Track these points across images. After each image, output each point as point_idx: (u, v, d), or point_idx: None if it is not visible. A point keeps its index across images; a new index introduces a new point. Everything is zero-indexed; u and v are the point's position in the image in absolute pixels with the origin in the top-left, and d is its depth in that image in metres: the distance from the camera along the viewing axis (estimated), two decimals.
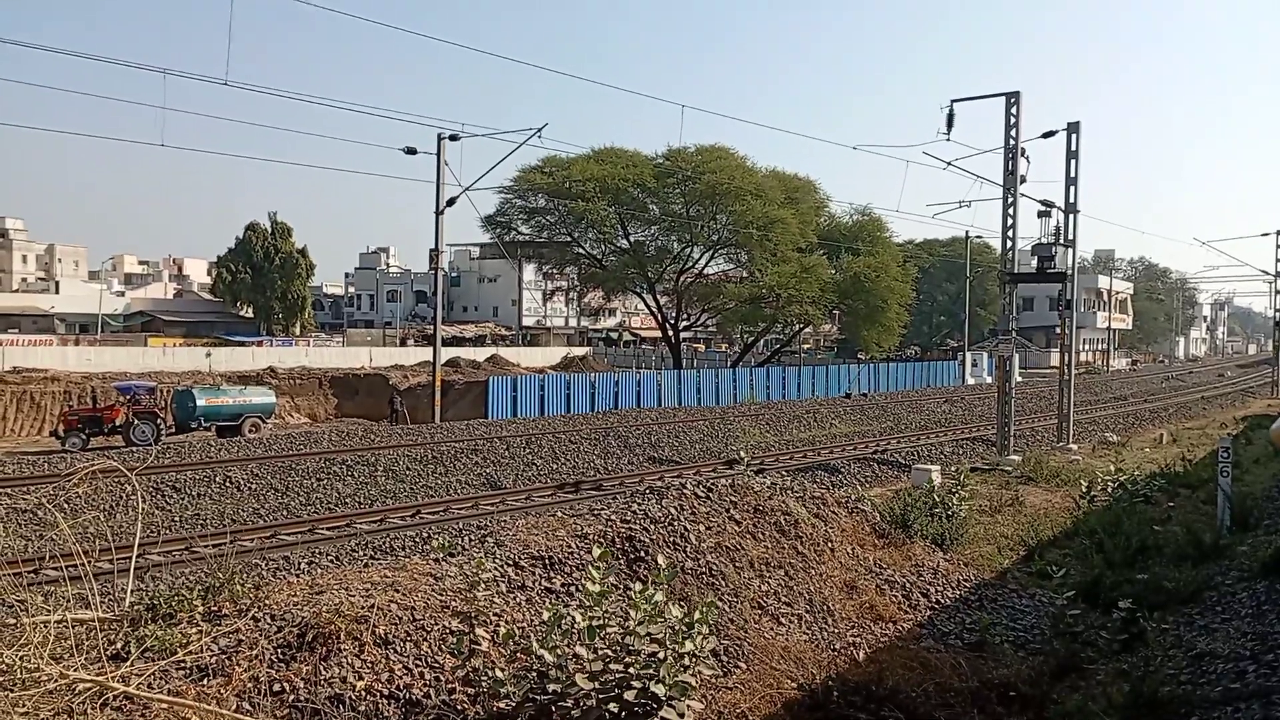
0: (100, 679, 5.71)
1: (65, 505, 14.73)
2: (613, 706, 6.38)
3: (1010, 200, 24.82)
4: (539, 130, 32.02)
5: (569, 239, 55.98)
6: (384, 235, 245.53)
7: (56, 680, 5.52)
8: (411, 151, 33.30)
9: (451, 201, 35.43)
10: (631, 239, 55.46)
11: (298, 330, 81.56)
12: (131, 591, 7.11)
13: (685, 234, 53.88)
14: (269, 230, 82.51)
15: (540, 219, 55.66)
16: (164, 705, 5.74)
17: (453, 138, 34.22)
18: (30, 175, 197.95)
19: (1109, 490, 17.67)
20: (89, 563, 6.67)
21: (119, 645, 6.24)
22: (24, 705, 5.22)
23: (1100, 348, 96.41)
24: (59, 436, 32.53)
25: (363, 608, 7.29)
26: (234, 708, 5.98)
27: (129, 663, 6.03)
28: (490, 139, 33.37)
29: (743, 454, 17.88)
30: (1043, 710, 8.16)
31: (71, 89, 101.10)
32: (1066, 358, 28.41)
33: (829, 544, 10.94)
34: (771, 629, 8.99)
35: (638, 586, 7.34)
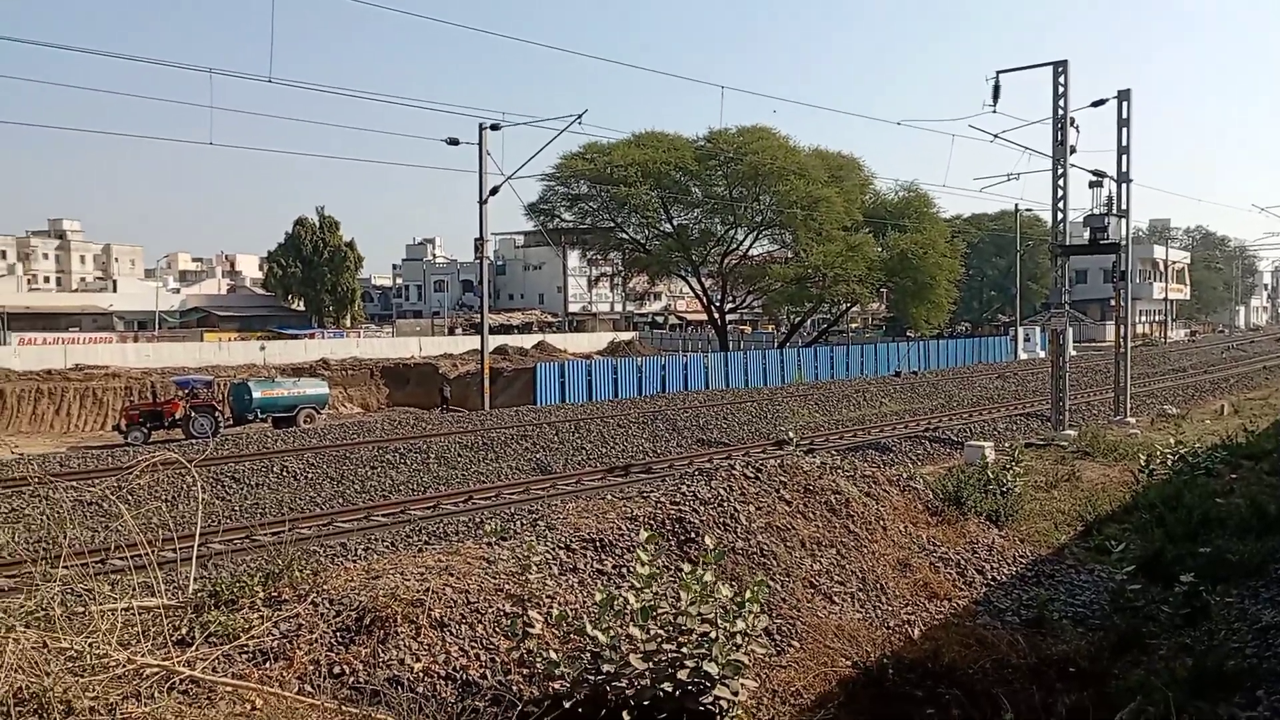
0: (166, 664, 5.86)
1: (129, 497, 15.14)
2: (666, 686, 6.41)
3: (1060, 171, 24.32)
4: (579, 117, 32.06)
5: (612, 224, 55.97)
6: (430, 226, 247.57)
7: (124, 665, 5.68)
8: (454, 142, 33.54)
9: (495, 190, 35.62)
10: (675, 222, 55.30)
11: (348, 322, 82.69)
12: (195, 579, 7.28)
13: (729, 216, 53.60)
14: (317, 224, 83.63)
15: (583, 205, 55.70)
16: (229, 688, 5.88)
17: (494, 127, 34.37)
18: (86, 177, 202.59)
19: (1169, 463, 17.30)
20: (153, 552, 6.84)
21: (184, 631, 6.40)
22: (94, 690, 5.38)
23: (1157, 319, 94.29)
24: (121, 431, 33.35)
25: (418, 591, 7.40)
26: (296, 690, 6.11)
27: (194, 647, 6.18)
28: (531, 127, 33.53)
29: (791, 434, 17.83)
30: (1103, 686, 8.04)
31: (122, 92, 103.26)
32: (1122, 330, 27.84)
33: (881, 522, 10.86)
34: (824, 607, 8.96)
35: (688, 567, 7.35)
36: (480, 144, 34.75)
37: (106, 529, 13.46)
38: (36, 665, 5.24)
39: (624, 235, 56.80)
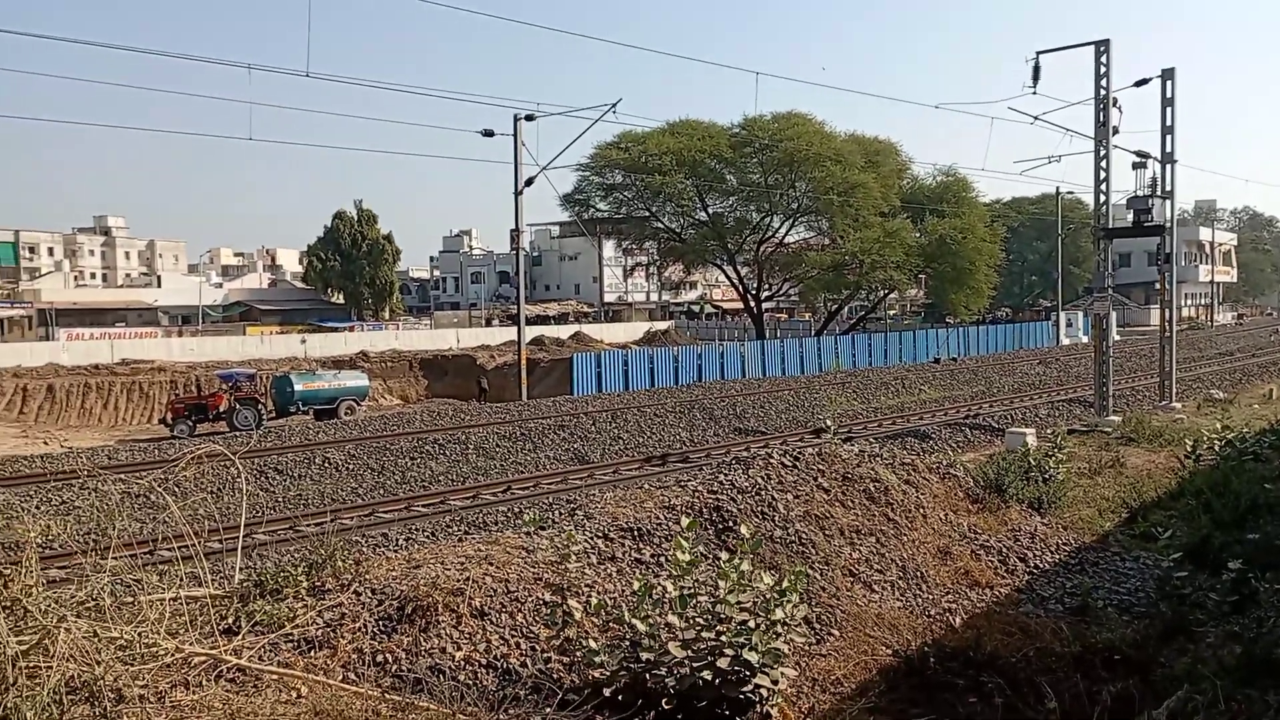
0: (214, 652, 5.97)
1: (175, 489, 15.35)
2: (706, 674, 6.41)
3: (1102, 153, 23.90)
4: (613, 106, 32.04)
5: (647, 214, 55.87)
6: (466, 218, 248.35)
7: (173, 654, 5.78)
8: (489, 134, 33.61)
9: (530, 181, 35.68)
10: (710, 210, 55.08)
11: (387, 314, 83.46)
12: (240, 569, 7.40)
13: (764, 203, 53.28)
14: (355, 218, 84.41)
15: (618, 195, 55.64)
16: (275, 676, 5.97)
17: (528, 118, 34.43)
18: (130, 174, 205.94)
19: (1216, 448, 16.98)
20: (199, 543, 6.95)
21: (230, 620, 6.51)
22: (143, 678, 5.48)
23: (1203, 302, 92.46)
24: (167, 424, 33.92)
25: (459, 581, 7.46)
26: (340, 678, 6.19)
27: (240, 636, 6.29)
28: (565, 117, 33.56)
29: (829, 422, 17.73)
30: (1149, 674, 7.93)
31: (164, 89, 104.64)
32: (1167, 314, 27.34)
33: (920, 510, 10.78)
34: (864, 596, 8.92)
35: (726, 555, 7.34)
36: (515, 135, 34.85)
37: (154, 520, 13.72)
38: (87, 654, 5.34)
39: (659, 224, 56.67)
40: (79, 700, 5.08)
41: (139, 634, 5.74)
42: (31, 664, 5.08)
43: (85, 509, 15.12)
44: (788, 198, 52.82)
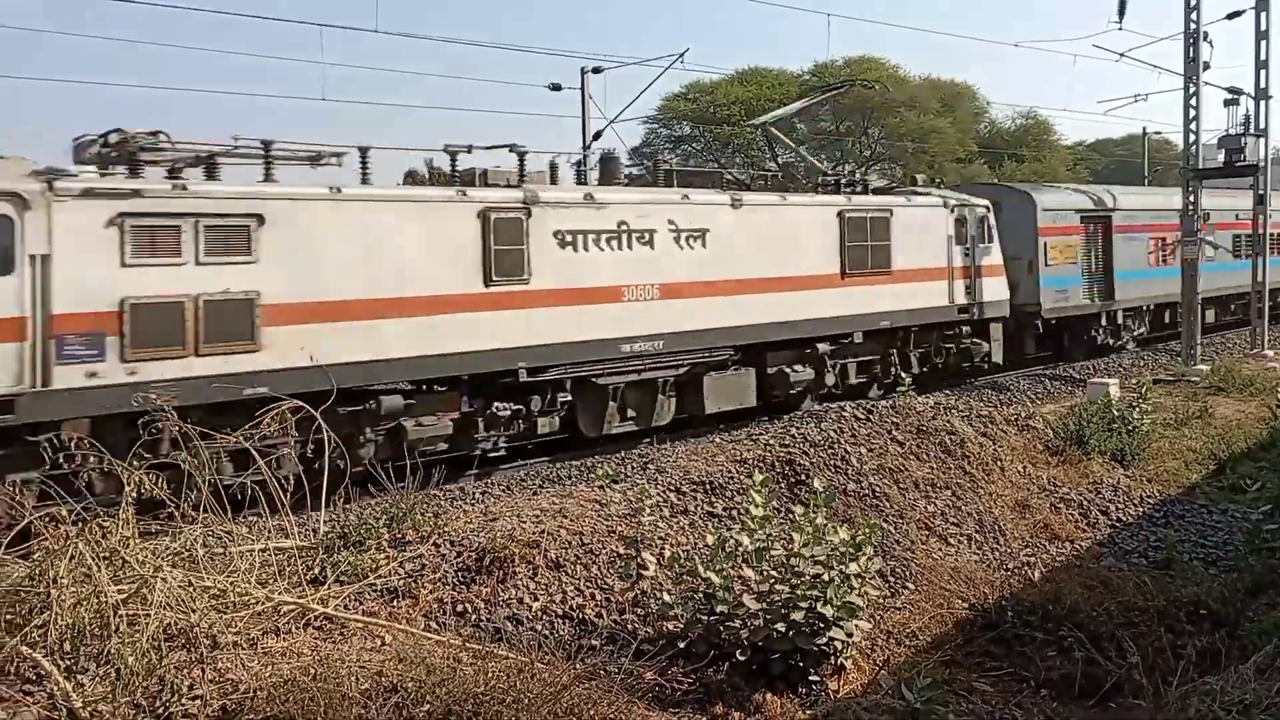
0: (302, 601, 6.20)
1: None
2: (780, 627, 6.46)
3: (1192, 90, 22.85)
4: (680, 56, 31.57)
5: (717, 165, 55.34)
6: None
7: (263, 603, 6.02)
8: (556, 88, 33.52)
9: (598, 135, 35.47)
10: (780, 160, 54.27)
11: None
12: (324, 521, 7.64)
13: (835, 151, 52.35)
14: (426, 177, 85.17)
15: (686, 147, 55.20)
16: (359, 624, 6.19)
17: (595, 70, 34.20)
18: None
19: None
20: (285, 496, 7.20)
21: (316, 570, 6.74)
22: (236, 625, 5.73)
23: None
24: None
25: (534, 533, 7.61)
26: (422, 627, 6.39)
27: (326, 586, 6.51)
28: (632, 68, 33.24)
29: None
30: (1236, 628, 7.74)
31: (239, 51, 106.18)
32: (1260, 258, 26.22)
33: (998, 463, 10.63)
34: (940, 549, 8.85)
35: (799, 509, 7.36)
36: (582, 88, 34.66)
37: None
38: (183, 602, 5.59)
39: (729, 176, 56.07)
40: (176, 646, 5.32)
41: (231, 583, 5.99)
42: (131, 612, 5.33)
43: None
44: (860, 145, 51.80)
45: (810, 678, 6.51)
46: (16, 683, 4.67)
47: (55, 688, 4.69)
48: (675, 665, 6.37)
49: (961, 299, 19.11)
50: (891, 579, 8.10)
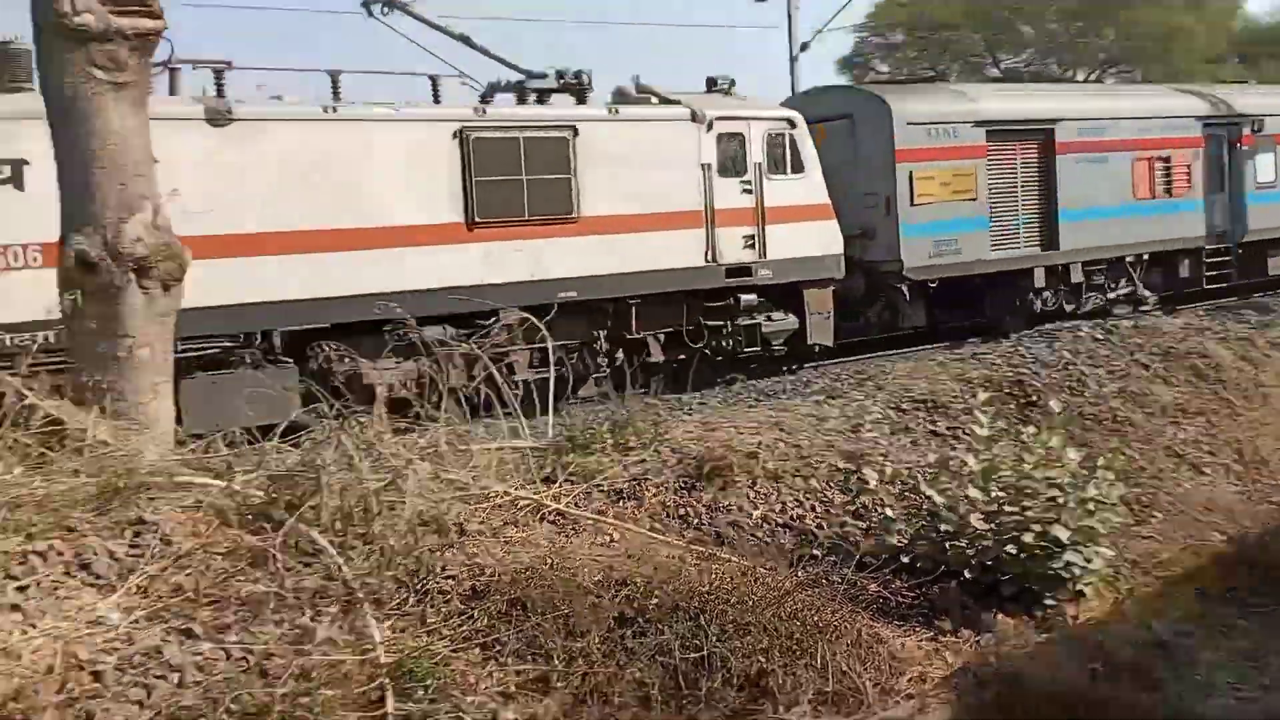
0: (537, 497, 6.55)
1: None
2: (1010, 548, 6.28)
3: None
4: None
5: (933, 74, 52.52)
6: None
7: (501, 496, 6.40)
8: None
9: (805, 46, 34.32)
10: (1003, 66, 50.85)
11: None
12: (553, 425, 8.01)
13: (1065, 55, 48.44)
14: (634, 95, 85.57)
15: (900, 55, 52.60)
16: (590, 521, 6.47)
17: None
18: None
19: None
20: (517, 400, 7.62)
21: (548, 470, 7.08)
22: (480, 515, 6.13)
23: None
24: None
25: (752, 445, 7.68)
26: (647, 528, 6.61)
27: (557, 485, 6.83)
28: None
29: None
30: None
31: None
32: None
33: (1260, 389, 9.84)
34: (1191, 479, 8.34)
35: (1031, 430, 7.07)
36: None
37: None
38: (432, 492, 6.01)
39: (946, 85, 53.20)
40: (428, 531, 5.74)
41: (473, 478, 6.38)
42: (389, 499, 5.79)
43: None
44: (1093, 48, 47.66)
45: (1046, 601, 6.29)
46: (297, 555, 5.17)
47: (329, 560, 5.16)
48: (899, 579, 6.30)
49: (734, 256, 13.04)
50: (1135, 506, 7.67)
